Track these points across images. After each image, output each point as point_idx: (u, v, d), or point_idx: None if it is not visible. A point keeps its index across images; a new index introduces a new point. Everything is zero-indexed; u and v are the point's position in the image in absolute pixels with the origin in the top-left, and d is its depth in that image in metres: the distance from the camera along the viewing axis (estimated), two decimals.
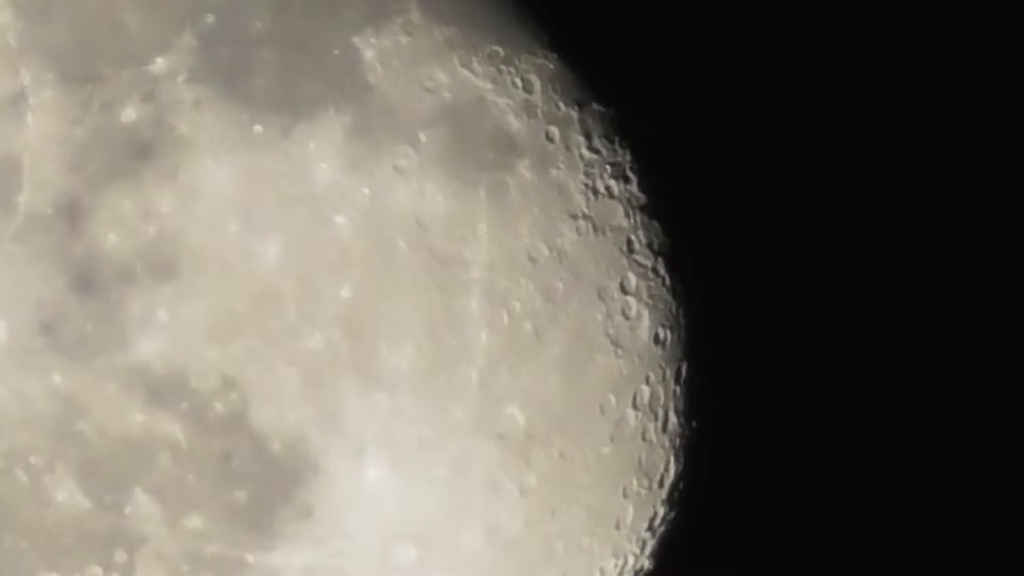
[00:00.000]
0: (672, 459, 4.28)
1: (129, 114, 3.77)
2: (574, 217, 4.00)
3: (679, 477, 4.32)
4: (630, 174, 4.11)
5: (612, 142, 4.09)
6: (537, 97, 4.01)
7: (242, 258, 3.73)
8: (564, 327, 3.98)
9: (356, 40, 3.89)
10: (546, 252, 3.95)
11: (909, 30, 6.00)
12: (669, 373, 4.21)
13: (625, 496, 4.20)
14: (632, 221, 4.10)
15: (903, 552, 6.11)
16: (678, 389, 4.24)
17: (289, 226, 3.76)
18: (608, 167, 4.07)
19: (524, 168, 3.95)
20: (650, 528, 4.33)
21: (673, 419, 4.24)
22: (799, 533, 5.91)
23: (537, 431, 3.96)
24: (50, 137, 3.75)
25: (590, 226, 4.02)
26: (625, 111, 4.13)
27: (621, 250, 4.08)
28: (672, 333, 4.19)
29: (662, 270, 4.15)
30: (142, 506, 3.73)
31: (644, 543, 4.34)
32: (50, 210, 3.72)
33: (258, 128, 3.79)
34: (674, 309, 4.19)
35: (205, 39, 3.82)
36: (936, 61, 6.03)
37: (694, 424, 4.30)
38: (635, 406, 4.14)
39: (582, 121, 4.06)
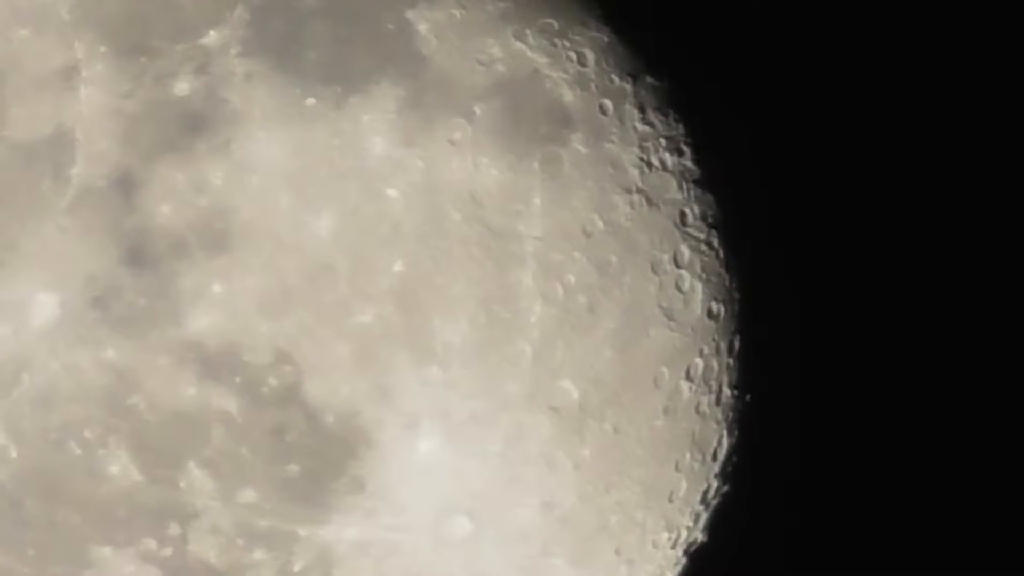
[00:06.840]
0: (725, 432, 4.27)
1: (182, 87, 3.77)
2: (628, 190, 3.98)
3: (732, 450, 4.31)
4: (684, 147, 4.09)
5: (666, 115, 4.07)
6: (591, 70, 3.99)
7: (295, 231, 3.73)
8: (618, 301, 3.96)
9: (409, 14, 3.87)
10: (600, 225, 3.93)
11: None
12: (723, 346, 4.19)
13: (678, 469, 4.19)
14: (686, 194, 4.08)
15: (954, 526, 6.09)
16: (731, 362, 4.22)
17: (342, 199, 3.75)
18: (662, 140, 4.05)
19: (578, 141, 3.93)
20: (703, 501, 4.32)
21: (726, 392, 4.23)
22: (852, 507, 5.90)
23: (591, 405, 3.95)
24: (103, 110, 3.75)
25: (644, 199, 4.00)
26: (678, 84, 4.11)
27: (675, 223, 4.06)
28: (725, 306, 4.17)
29: (716, 243, 4.13)
30: (195, 480, 3.74)
31: (697, 516, 4.33)
32: (103, 183, 3.72)
33: (311, 101, 3.78)
34: (728, 282, 4.17)
35: (258, 12, 3.81)
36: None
37: (747, 397, 4.29)
38: (689, 379, 4.13)
39: (636, 94, 4.04)
